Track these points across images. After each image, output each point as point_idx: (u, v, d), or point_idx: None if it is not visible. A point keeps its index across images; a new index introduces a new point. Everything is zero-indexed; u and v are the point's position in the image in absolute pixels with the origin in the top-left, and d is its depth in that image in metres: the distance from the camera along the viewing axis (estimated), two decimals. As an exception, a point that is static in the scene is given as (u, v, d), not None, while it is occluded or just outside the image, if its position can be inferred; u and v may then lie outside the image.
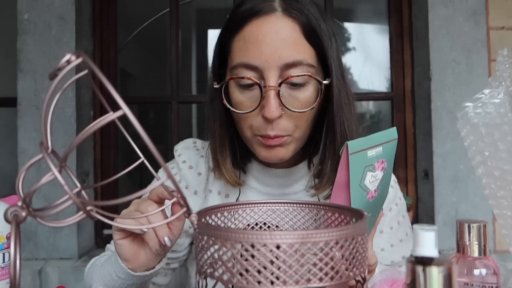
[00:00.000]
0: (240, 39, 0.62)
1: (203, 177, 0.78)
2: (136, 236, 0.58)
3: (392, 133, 0.56)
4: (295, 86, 0.62)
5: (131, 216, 0.54)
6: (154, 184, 0.36)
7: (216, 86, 0.65)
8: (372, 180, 0.53)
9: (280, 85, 0.60)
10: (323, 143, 0.68)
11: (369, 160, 0.52)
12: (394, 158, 0.57)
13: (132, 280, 0.61)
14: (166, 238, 0.54)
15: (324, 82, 0.63)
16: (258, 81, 0.61)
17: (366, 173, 0.52)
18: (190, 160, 0.79)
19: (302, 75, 0.61)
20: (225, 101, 0.64)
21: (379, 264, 0.66)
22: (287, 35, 0.61)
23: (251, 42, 0.61)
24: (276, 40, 0.60)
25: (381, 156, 0.53)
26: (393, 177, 0.82)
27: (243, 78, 0.61)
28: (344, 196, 0.51)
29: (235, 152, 0.72)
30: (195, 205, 0.78)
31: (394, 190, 0.81)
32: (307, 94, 0.63)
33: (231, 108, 0.64)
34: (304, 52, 0.62)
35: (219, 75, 0.68)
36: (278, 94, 0.60)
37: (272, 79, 0.60)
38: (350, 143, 0.50)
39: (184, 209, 0.40)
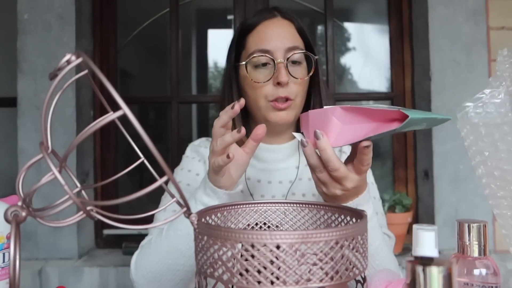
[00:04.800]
0: (255, 35, 0.88)
1: None
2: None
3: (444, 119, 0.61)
4: (295, 63, 0.87)
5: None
6: (155, 184, 0.36)
7: (243, 63, 0.87)
8: None
9: (287, 59, 0.84)
10: (312, 106, 0.91)
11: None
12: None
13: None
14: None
15: (316, 57, 0.88)
16: (272, 58, 0.84)
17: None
18: (201, 143, 1.01)
19: (301, 52, 0.86)
20: (248, 74, 0.85)
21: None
22: (287, 29, 0.88)
23: (264, 35, 0.87)
24: (281, 32, 0.87)
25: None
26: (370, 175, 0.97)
27: (261, 56, 0.85)
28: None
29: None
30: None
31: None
32: (302, 69, 0.88)
33: (253, 80, 0.85)
34: (298, 41, 0.88)
35: (234, 67, 0.92)
36: (286, 66, 0.84)
37: (281, 57, 0.84)
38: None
39: (184, 208, 0.40)
